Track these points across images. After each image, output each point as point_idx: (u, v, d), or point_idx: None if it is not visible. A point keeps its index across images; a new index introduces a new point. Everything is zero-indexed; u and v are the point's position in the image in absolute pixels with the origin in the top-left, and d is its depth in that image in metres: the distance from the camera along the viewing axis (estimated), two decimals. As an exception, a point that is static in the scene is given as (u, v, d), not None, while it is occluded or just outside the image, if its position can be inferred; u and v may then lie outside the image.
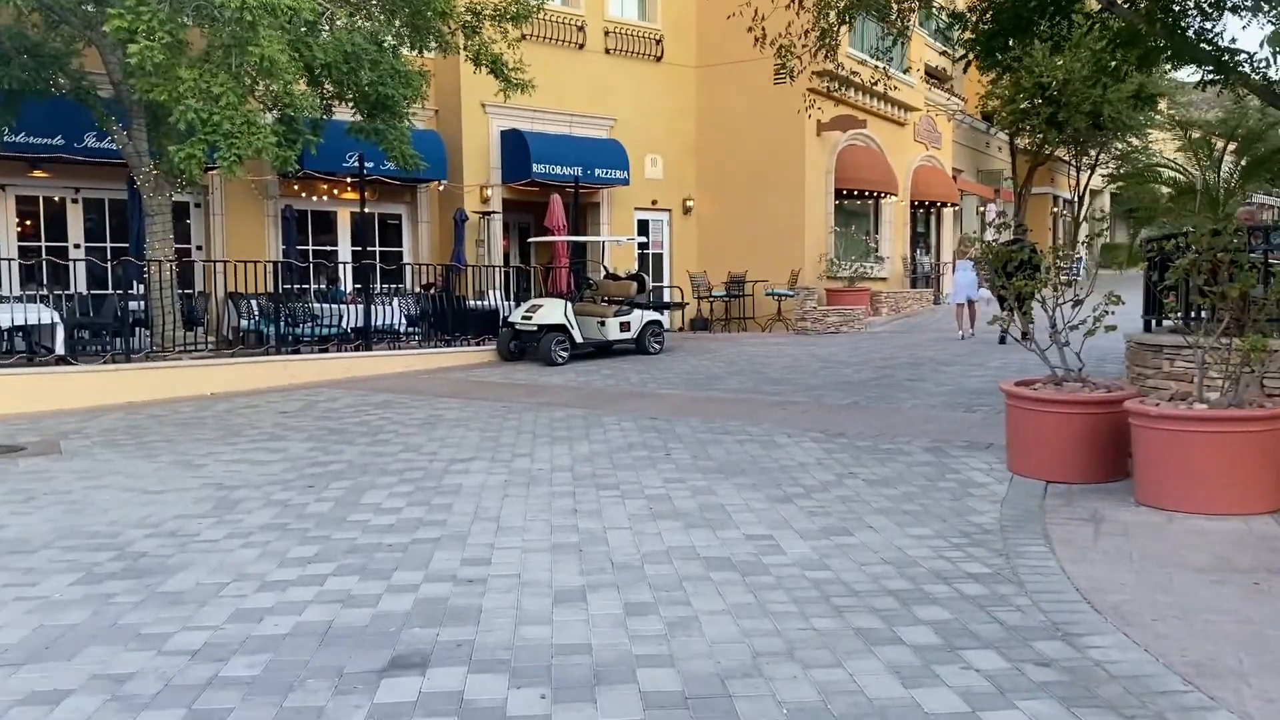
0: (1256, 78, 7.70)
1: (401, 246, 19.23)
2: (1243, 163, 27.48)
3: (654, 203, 21.49)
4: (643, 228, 21.41)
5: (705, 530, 5.98)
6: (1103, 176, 41.19)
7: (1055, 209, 41.36)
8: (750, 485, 7.15)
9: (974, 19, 9.67)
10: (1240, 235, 6.16)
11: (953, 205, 27.97)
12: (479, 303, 16.26)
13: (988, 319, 12.41)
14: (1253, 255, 6.57)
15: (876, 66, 14.86)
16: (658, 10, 21.55)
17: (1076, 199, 40.66)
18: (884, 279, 23.47)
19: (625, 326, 15.47)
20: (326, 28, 12.11)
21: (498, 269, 17.45)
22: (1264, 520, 6.05)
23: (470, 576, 5.13)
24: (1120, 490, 6.94)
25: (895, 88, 21.33)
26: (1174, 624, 4.32)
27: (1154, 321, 8.33)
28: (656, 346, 15.92)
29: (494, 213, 19.01)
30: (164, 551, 5.65)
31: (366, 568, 5.31)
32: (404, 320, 15.10)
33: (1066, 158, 37.53)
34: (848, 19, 10.51)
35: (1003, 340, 15.94)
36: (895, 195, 24.09)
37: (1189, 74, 10.36)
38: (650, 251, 21.58)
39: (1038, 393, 7.45)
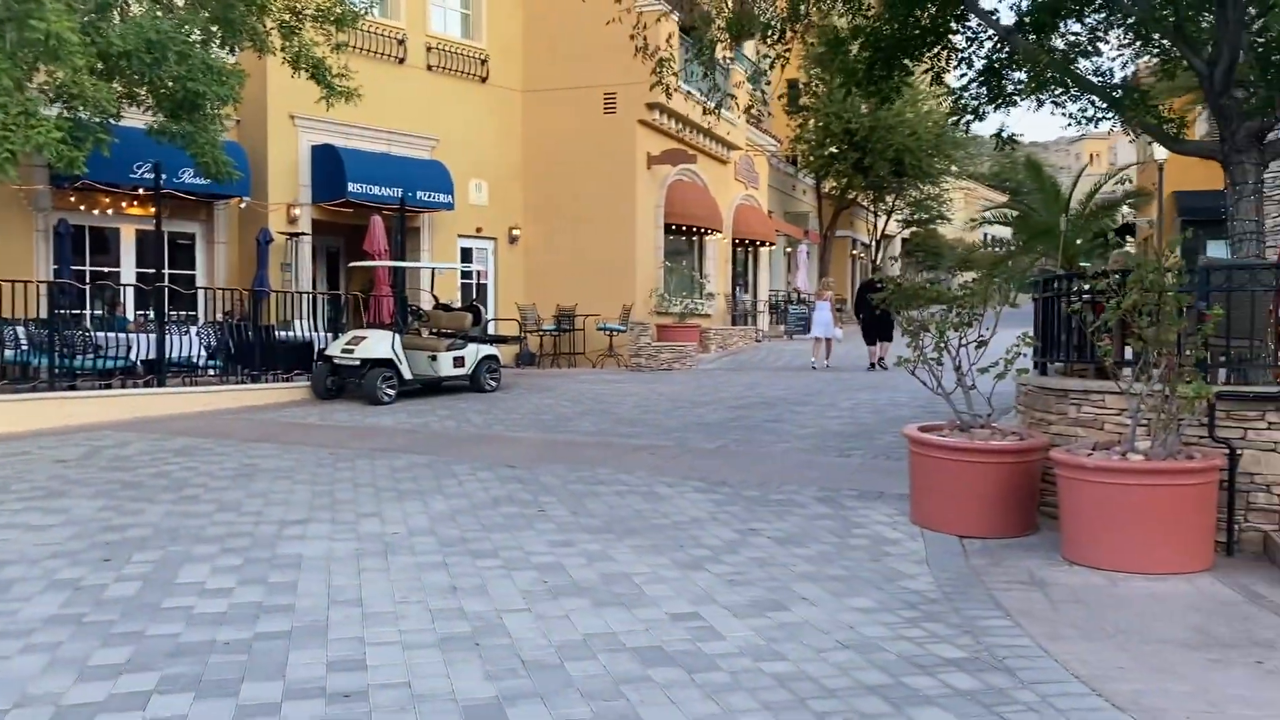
0: (1150, 119, 7.57)
1: (195, 269, 17.26)
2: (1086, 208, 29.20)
3: (478, 230, 20.37)
4: (466, 256, 20.23)
5: (620, 610, 5.02)
6: (899, 222, 42.98)
7: (855, 251, 42.79)
8: (650, 548, 6.23)
9: (854, 47, 9.27)
10: (1182, 276, 5.79)
11: (770, 244, 28.19)
12: (287, 333, 14.64)
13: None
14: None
15: (709, 106, 14.44)
16: (483, 30, 20.56)
17: (875, 243, 42.22)
18: (709, 315, 23.17)
19: (459, 362, 14.24)
20: (118, 15, 10.47)
21: (306, 296, 15.82)
22: (1205, 580, 5.67)
23: (345, 689, 3.97)
24: (1040, 546, 6.48)
25: (726, 123, 21.12)
26: (1215, 723, 3.71)
27: (1046, 364, 8.00)
28: (493, 384, 14.77)
29: (303, 234, 17.38)
30: (-93, 665, 4.19)
31: (202, 679, 4.05)
32: (203, 352, 13.31)
33: (865, 203, 38.86)
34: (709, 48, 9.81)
35: (871, 368, 17.39)
36: (720, 232, 23.92)
37: (1048, 114, 10.24)
38: (474, 282, 20.41)
39: (948, 440, 6.92)
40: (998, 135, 10.77)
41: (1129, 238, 38.16)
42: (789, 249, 33.63)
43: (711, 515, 7.15)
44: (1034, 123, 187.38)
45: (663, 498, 7.71)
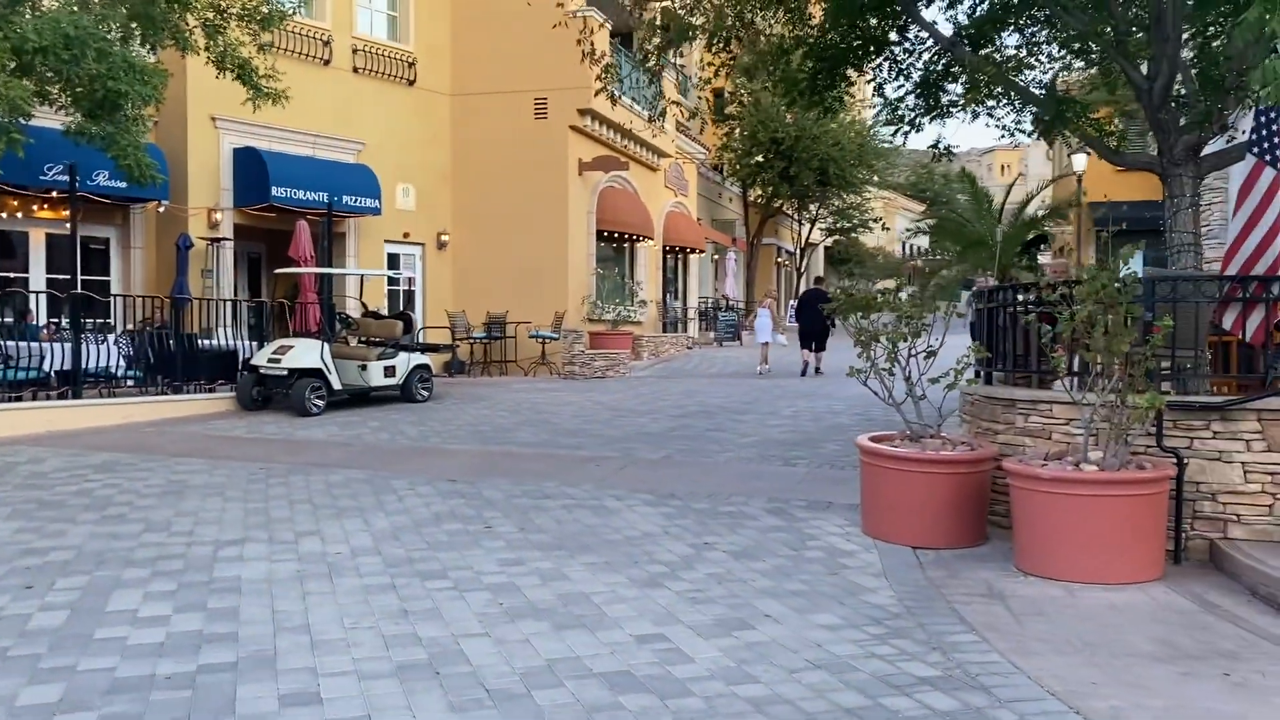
0: (1091, 130, 7.67)
1: (109, 275, 16.61)
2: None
3: (406, 235, 19.98)
4: (393, 262, 19.82)
5: (581, 632, 4.85)
6: (822, 230, 43.50)
7: (780, 259, 43.21)
8: (604, 565, 6.08)
9: (796, 57, 9.24)
10: (1134, 287, 5.84)
11: (700, 252, 28.25)
12: (209, 342, 14.13)
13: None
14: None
15: (652, 115, 14.28)
16: (410, 32, 20.20)
17: (799, 251, 42.68)
18: (641, 323, 23.08)
19: (390, 371, 13.88)
20: (29, 9, 9.95)
21: (229, 303, 15.30)
22: (1159, 589, 5.72)
23: (302, 725, 3.74)
24: (992, 556, 6.49)
25: (661, 131, 21.07)
26: (1196, 740, 3.69)
27: (991, 374, 8.05)
28: (424, 393, 14.42)
29: (224, 239, 16.84)
30: None
31: (145, 718, 3.78)
32: (122, 362, 12.75)
33: (790, 211, 39.24)
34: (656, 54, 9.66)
35: (803, 374, 18.39)
36: (651, 239, 23.87)
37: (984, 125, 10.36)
38: (402, 289, 20.00)
39: (900, 451, 6.89)
40: (934, 146, 10.87)
41: (1042, 247, 39.26)
42: (716, 256, 33.80)
43: (663, 529, 7.02)
44: (945, 135, 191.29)
45: (612, 511, 7.55)
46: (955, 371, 7.00)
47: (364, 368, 13.58)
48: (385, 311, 16.65)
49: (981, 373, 8.04)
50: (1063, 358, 6.01)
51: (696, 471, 9.20)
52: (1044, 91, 7.52)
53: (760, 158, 32.65)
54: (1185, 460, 6.26)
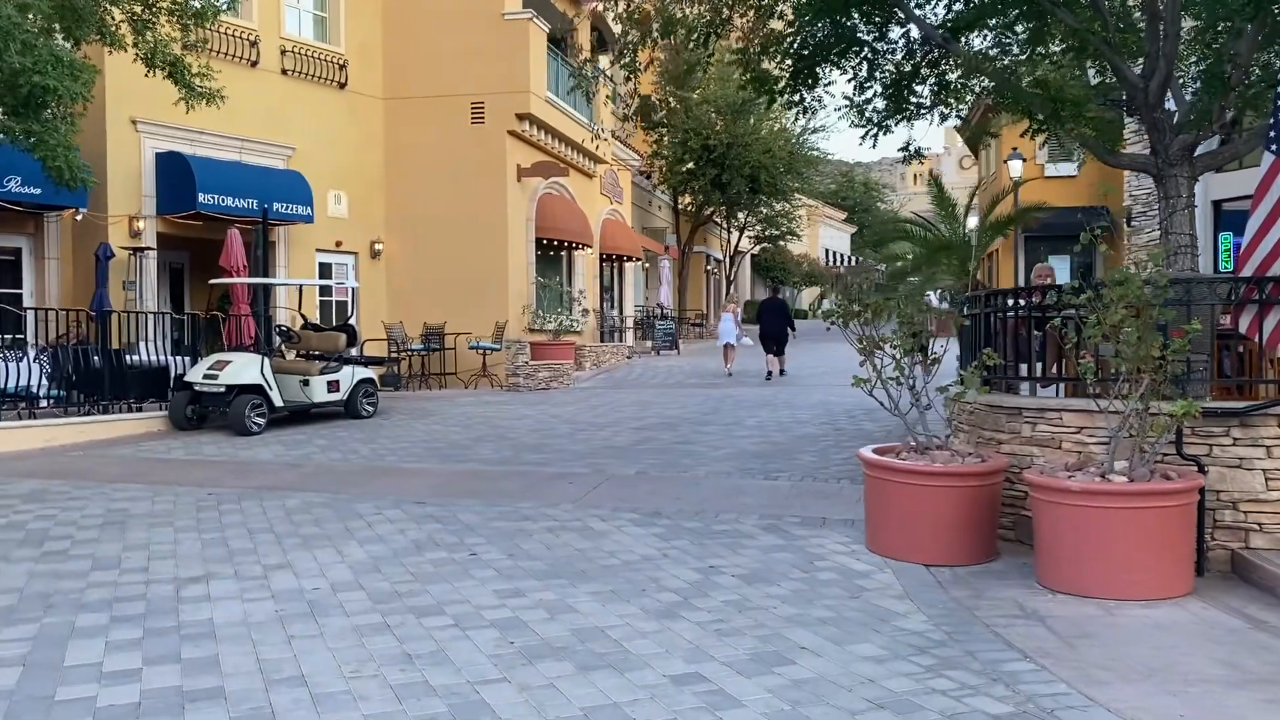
0: (1088, 131, 7.50)
1: (21, 288, 15.56)
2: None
3: (338, 244, 19.18)
4: (325, 271, 19.01)
5: (609, 674, 4.41)
6: (750, 238, 43.52)
7: (709, 268, 43.10)
8: (611, 594, 5.63)
9: (785, 44, 8.90)
10: (1165, 291, 5.60)
11: (637, 259, 27.89)
12: (137, 358, 13.26)
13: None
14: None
15: (618, 114, 13.90)
16: (340, 33, 19.43)
17: (729, 259, 42.62)
18: (580, 332, 22.60)
19: (334, 386, 13.16)
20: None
21: (158, 316, 14.40)
22: (1194, 604, 5.49)
23: (326, 803, 3.23)
24: (1010, 573, 6.21)
25: (600, 138, 20.64)
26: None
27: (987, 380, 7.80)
28: (370, 409, 13.73)
29: (148, 249, 15.90)
30: None
31: (137, 804, 3.23)
32: (44, 381, 11.84)
33: (719, 220, 39.12)
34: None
35: (769, 377, 19.08)
36: (590, 247, 23.42)
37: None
38: (334, 299, 19.21)
39: (910, 465, 6.57)
40: (904, 149, 10.67)
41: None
42: (646, 265, 33.49)
43: (662, 552, 6.60)
44: (857, 143, 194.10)
45: (601, 534, 7.10)
46: (964, 381, 6.72)
47: (306, 383, 12.86)
48: (316, 322, 15.86)
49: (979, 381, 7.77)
50: (1091, 364, 5.74)
51: (676, 487, 8.78)
52: (1038, 90, 7.32)
53: (692, 165, 32.42)
54: (1205, 468, 6.07)
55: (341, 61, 19.30)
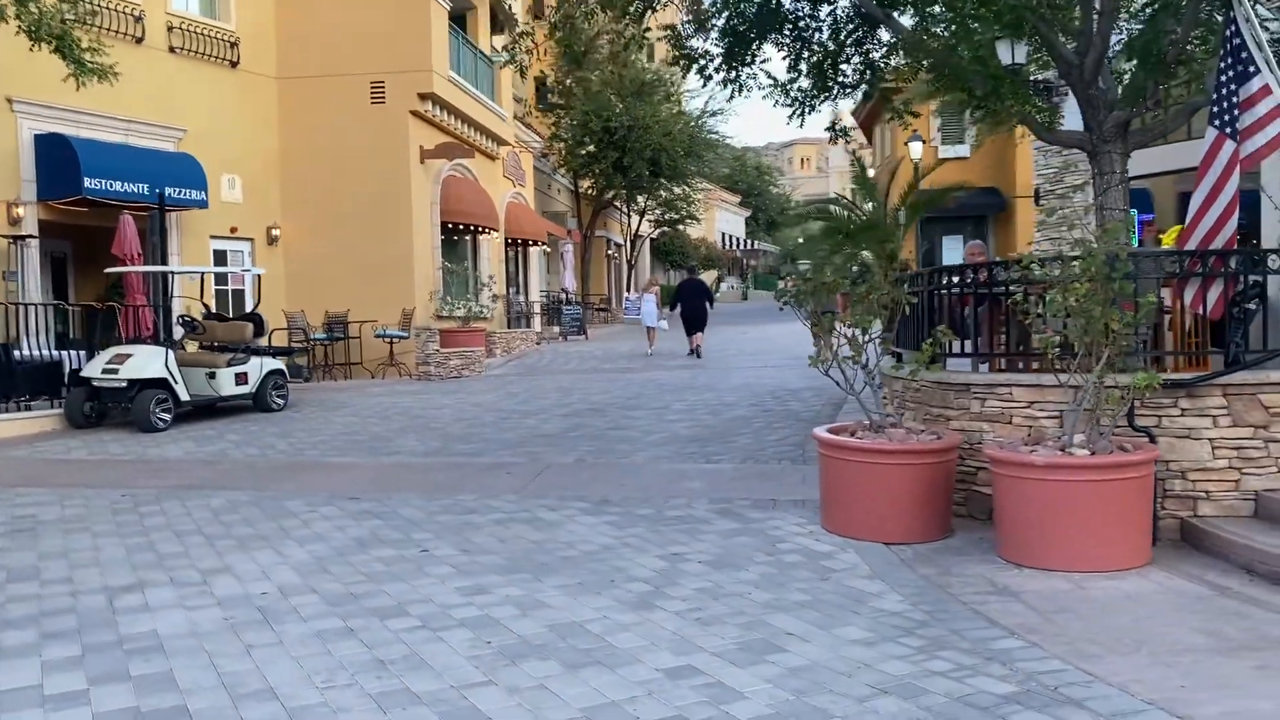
0: (1029, 107, 7.55)
1: (-113, 280, 14.44)
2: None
3: (233, 230, 18.36)
4: (220, 259, 18.19)
5: (600, 671, 4.21)
6: (650, 222, 43.50)
7: (609, 252, 42.91)
8: (579, 586, 5.42)
9: (723, 21, 8.75)
10: (1127, 264, 5.64)
11: (540, 244, 27.52)
12: (25, 353, 12.42)
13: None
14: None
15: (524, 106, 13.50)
16: (230, 9, 18.55)
17: (629, 243, 42.51)
18: (489, 319, 22.19)
19: (242, 378, 12.54)
20: None
21: (46, 308, 13.52)
22: (1158, 574, 5.58)
23: (331, 830, 2.96)
24: (969, 548, 6.23)
25: (496, 117, 20.20)
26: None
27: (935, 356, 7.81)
28: (280, 402, 13.14)
29: (29, 237, 14.92)
30: None
31: (117, 844, 2.91)
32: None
33: (619, 204, 38.96)
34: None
35: (690, 354, 20.11)
36: (496, 231, 23.00)
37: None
38: (230, 288, 18.39)
39: (869, 443, 6.53)
40: (831, 128, 10.66)
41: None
42: (548, 249, 33.12)
43: (620, 541, 6.41)
44: (745, 127, 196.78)
45: (553, 524, 6.88)
46: (919, 357, 6.70)
47: (213, 375, 12.21)
48: (249, 311, 15.00)
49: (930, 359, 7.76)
50: (1053, 339, 5.76)
51: (618, 474, 8.61)
52: (980, 69, 7.34)
53: (593, 147, 32.14)
54: (1155, 439, 6.17)
55: (233, 39, 18.45)
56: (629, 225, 41.42)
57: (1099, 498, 5.65)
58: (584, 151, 32.52)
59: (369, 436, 10.85)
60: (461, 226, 21.43)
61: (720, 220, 61.34)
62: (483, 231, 22.50)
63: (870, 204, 14.74)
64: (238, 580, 5.62)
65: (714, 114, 37.00)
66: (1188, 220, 6.37)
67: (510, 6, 25.14)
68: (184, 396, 11.69)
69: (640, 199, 38.69)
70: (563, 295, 30.42)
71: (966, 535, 6.54)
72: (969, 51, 6.97)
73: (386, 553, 6.18)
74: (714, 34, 8.97)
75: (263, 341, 13.67)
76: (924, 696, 3.92)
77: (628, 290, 41.43)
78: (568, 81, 33.26)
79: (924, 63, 7.22)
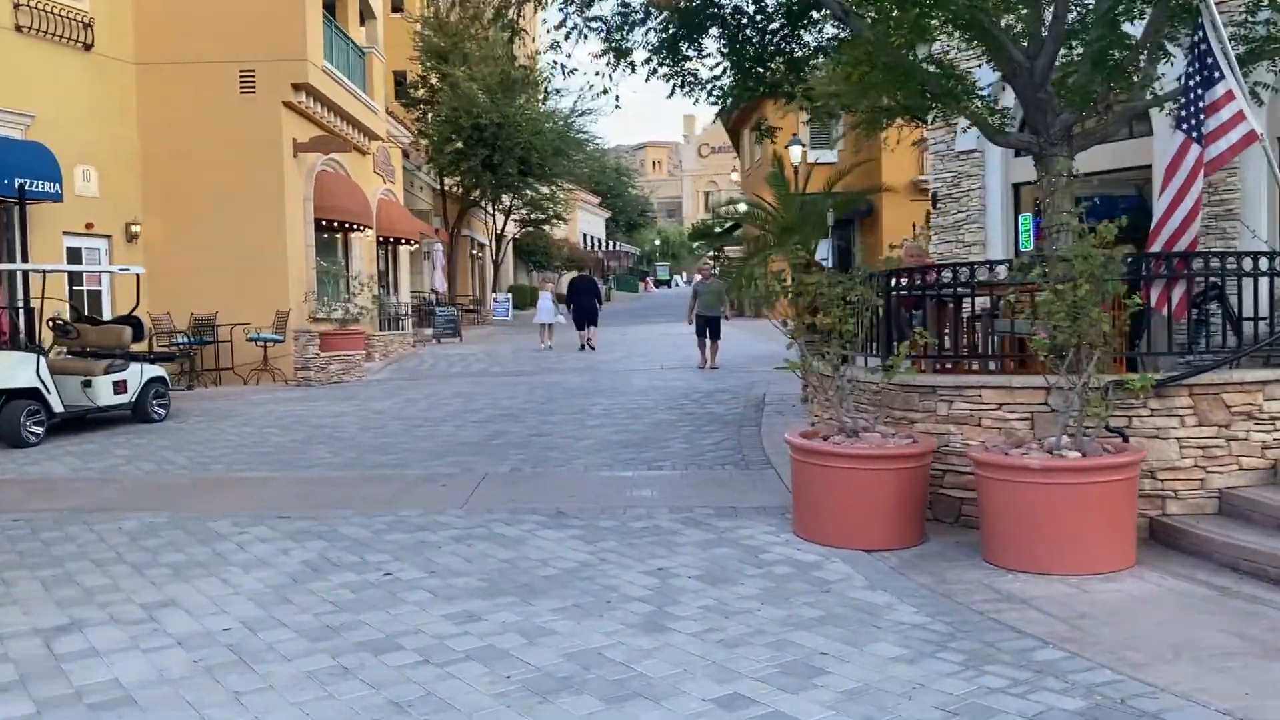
0: (981, 109, 7.55)
1: None
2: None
3: (89, 226, 16.92)
4: (74, 257, 16.75)
5: (645, 704, 3.89)
6: (515, 222, 42.86)
7: (473, 252, 42.07)
8: (576, 609, 5.06)
9: (655, 23, 8.48)
10: (1119, 265, 5.64)
11: (412, 242, 26.62)
12: None
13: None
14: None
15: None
16: (83, -14, 17.15)
17: (493, 242, 41.79)
18: (363, 321, 21.25)
19: (120, 387, 11.45)
20: None
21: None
22: (1151, 574, 5.61)
23: None
24: (953, 553, 6.16)
25: (367, 110, 19.37)
26: None
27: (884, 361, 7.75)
28: (161, 412, 12.09)
29: None
30: None
31: None
32: None
33: (484, 203, 38.18)
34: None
35: (581, 349, 21.45)
36: (370, 228, 22.08)
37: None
38: (85, 288, 16.97)
39: (847, 448, 6.37)
40: (757, 128, 10.55)
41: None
42: (415, 248, 32.14)
43: (596, 556, 6.06)
44: (598, 129, 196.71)
45: (516, 540, 6.46)
46: (893, 360, 6.59)
47: (88, 384, 11.12)
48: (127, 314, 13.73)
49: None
50: (1044, 340, 5.72)
51: (562, 484, 8.22)
52: (936, 70, 7.31)
53: (461, 144, 31.35)
54: (1128, 439, 6.23)
55: (86, 20, 17.02)
56: (494, 225, 40.69)
57: (1091, 500, 5.64)
58: (451, 149, 31.70)
59: (274, 448, 10.08)
60: (335, 224, 20.46)
61: (582, 221, 61.15)
62: (355, 229, 21.55)
63: (788, 206, 14.74)
64: (190, 615, 5.00)
65: (583, 114, 36.71)
66: (1153, 223, 6.48)
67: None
68: (57, 408, 10.60)
69: (506, 198, 38.05)
70: (432, 296, 29.55)
71: (942, 540, 6.47)
72: (924, 52, 6.93)
73: (348, 577, 5.65)
74: (649, 27, 8.68)
75: (141, 346, 12.59)
76: (998, 717, 3.74)
77: (493, 291, 40.72)
78: (430, 77, 32.39)
79: (874, 64, 7.10)
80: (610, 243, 68.56)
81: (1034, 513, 5.67)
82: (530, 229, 45.17)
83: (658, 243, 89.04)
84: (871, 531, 6.29)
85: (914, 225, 23.24)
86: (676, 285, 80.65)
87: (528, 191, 38.31)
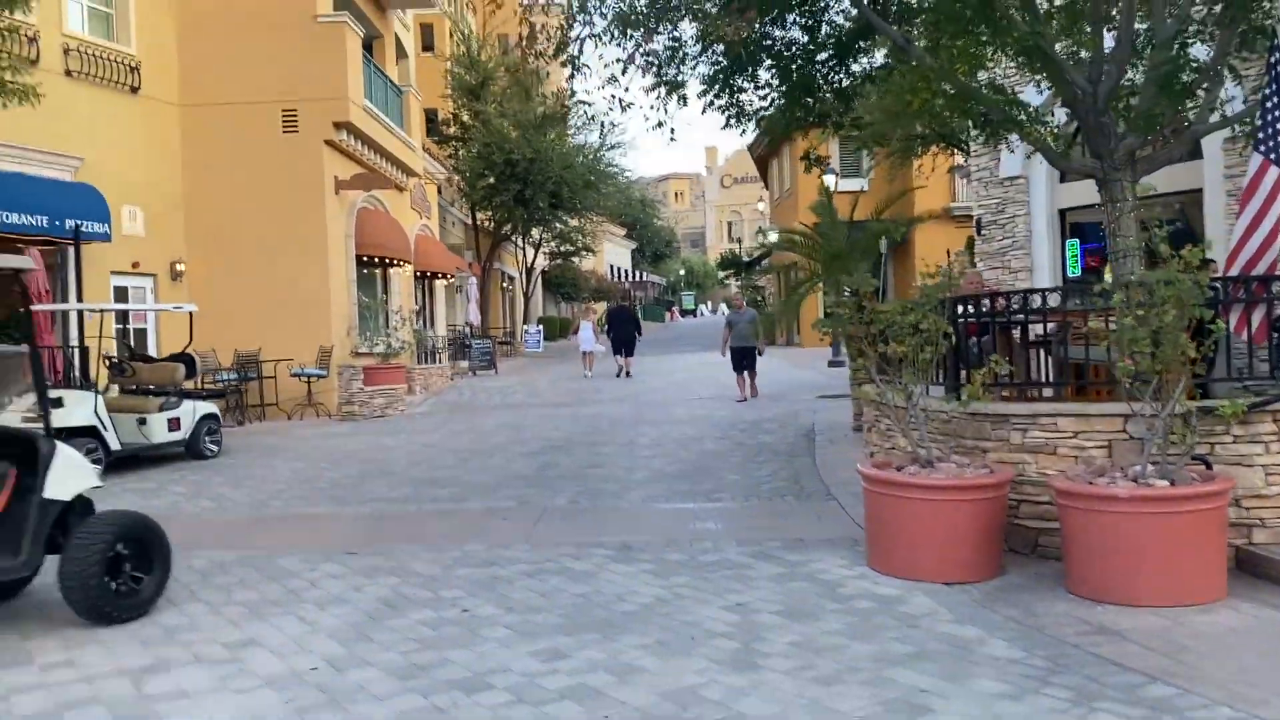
0: (1042, 133, 7.50)
1: None
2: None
3: (135, 266, 17.13)
4: (121, 295, 16.93)
5: (754, 744, 3.79)
6: (545, 254, 43.07)
7: (504, 284, 42.28)
8: (660, 646, 4.98)
9: (706, 54, 8.50)
10: (1205, 290, 5.54)
11: (449, 277, 26.77)
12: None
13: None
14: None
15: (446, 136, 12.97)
16: (130, 32, 17.42)
17: (523, 275, 41.98)
18: (406, 355, 21.35)
19: (175, 424, 11.52)
20: None
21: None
22: (1246, 606, 5.46)
23: None
24: (1032, 585, 6.03)
25: (405, 147, 19.55)
26: None
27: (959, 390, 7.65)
28: (214, 448, 12.15)
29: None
30: None
31: None
32: None
33: (515, 237, 38.39)
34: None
35: (618, 375, 22.67)
36: (409, 264, 22.22)
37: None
38: (131, 326, 17.15)
39: (925, 479, 6.28)
40: (805, 157, 10.54)
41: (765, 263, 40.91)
42: (450, 282, 32.34)
43: (672, 592, 5.98)
44: (628, 162, 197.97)
45: (588, 575, 6.39)
46: (969, 389, 6.49)
47: (143, 421, 11.19)
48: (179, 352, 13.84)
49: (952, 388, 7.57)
50: (1129, 366, 5.61)
51: (624, 517, 8.16)
52: (999, 98, 7.27)
53: (493, 180, 31.59)
54: (1211, 466, 6.10)
55: (133, 63, 17.32)
56: (524, 258, 40.89)
57: (1182, 529, 5.52)
58: (484, 184, 31.96)
59: (329, 484, 10.08)
60: (375, 259, 20.61)
61: (609, 252, 61.36)
62: (395, 264, 21.70)
63: (836, 234, 14.74)
64: (274, 654, 4.97)
65: (613, 147, 36.96)
66: (1231, 246, 6.39)
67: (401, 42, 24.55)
68: (114, 445, 10.67)
69: (536, 231, 38.26)
70: (466, 329, 29.68)
71: (1021, 571, 6.34)
72: (984, 77, 6.88)
73: (425, 614, 5.60)
74: (699, 60, 8.69)
75: (191, 384, 12.68)
76: (1119, 756, 3.63)
77: (524, 323, 40.85)
78: (462, 114, 32.74)
79: (933, 90, 7.06)
80: (636, 273, 68.72)
81: (1122, 543, 5.55)
82: (559, 261, 45.37)
83: (683, 273, 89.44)
84: (951, 564, 6.17)
85: (948, 252, 23.14)
86: (701, 314, 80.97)
87: (558, 224, 38.54)
